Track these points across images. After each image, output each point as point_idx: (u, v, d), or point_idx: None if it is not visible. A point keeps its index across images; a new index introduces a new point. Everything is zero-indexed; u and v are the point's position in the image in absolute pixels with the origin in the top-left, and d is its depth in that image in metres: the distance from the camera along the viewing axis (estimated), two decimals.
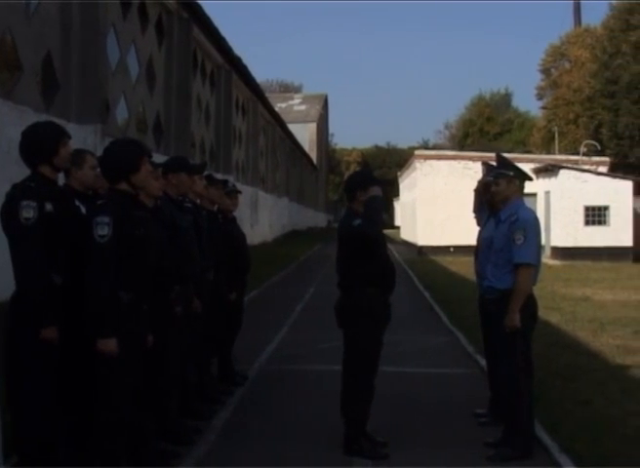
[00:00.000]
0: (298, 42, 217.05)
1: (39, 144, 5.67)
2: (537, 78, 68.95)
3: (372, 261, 6.73)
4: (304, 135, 79.05)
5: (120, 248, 5.34)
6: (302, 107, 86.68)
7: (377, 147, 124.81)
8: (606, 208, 31.92)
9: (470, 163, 35.74)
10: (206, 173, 8.55)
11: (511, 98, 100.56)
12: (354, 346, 6.81)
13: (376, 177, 7.18)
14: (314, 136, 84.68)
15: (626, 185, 32.09)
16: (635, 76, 41.35)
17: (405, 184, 52.50)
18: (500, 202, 7.09)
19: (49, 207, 5.53)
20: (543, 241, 8.45)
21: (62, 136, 5.80)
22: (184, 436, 6.99)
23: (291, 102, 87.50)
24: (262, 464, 6.56)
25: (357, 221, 6.66)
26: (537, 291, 7.07)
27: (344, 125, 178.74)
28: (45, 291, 5.42)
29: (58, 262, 5.58)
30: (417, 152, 42.37)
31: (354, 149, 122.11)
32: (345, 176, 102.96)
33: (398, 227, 67.71)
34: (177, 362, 6.76)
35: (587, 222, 32.02)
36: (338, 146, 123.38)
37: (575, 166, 34.29)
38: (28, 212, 5.44)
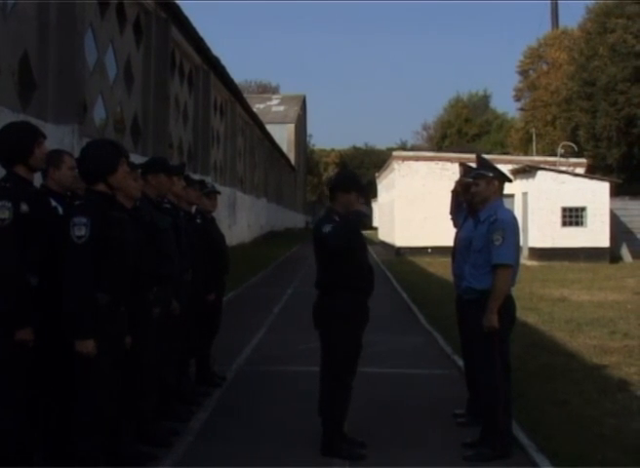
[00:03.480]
0: (276, 42, 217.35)
1: (14, 145, 5.63)
2: (514, 80, 69.39)
3: (347, 265, 6.71)
4: (283, 135, 79.04)
5: (97, 249, 5.32)
6: (281, 108, 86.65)
7: (355, 148, 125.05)
8: (583, 209, 32.08)
9: (448, 164, 35.83)
10: None
11: (489, 100, 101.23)
12: (330, 348, 6.79)
13: (359, 182, 7.14)
14: (292, 137, 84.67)
15: (603, 186, 32.27)
16: (612, 78, 41.57)
17: (383, 185, 52.53)
18: (479, 202, 7.10)
19: (24, 207, 5.50)
20: (521, 242, 8.46)
21: (37, 136, 5.77)
22: (162, 437, 6.97)
23: (269, 103, 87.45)
24: (240, 465, 6.55)
25: (328, 228, 6.65)
26: (514, 291, 7.09)
27: (323, 126, 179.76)
28: (20, 292, 5.39)
29: (34, 263, 5.55)
30: (395, 153, 42.40)
31: (332, 150, 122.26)
32: (326, 176, 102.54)
33: (376, 228, 67.75)
34: (154, 363, 6.73)
35: (565, 223, 32.17)
36: (316, 147, 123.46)
37: (552, 167, 34.44)
38: (3, 212, 5.41)
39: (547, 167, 34.14)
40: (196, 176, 17.74)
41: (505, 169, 8.35)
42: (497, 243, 6.67)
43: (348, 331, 6.74)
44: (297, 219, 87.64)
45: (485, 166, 7.20)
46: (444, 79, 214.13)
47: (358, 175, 7.36)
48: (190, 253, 7.95)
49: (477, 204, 7.15)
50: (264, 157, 58.04)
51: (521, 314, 10.89)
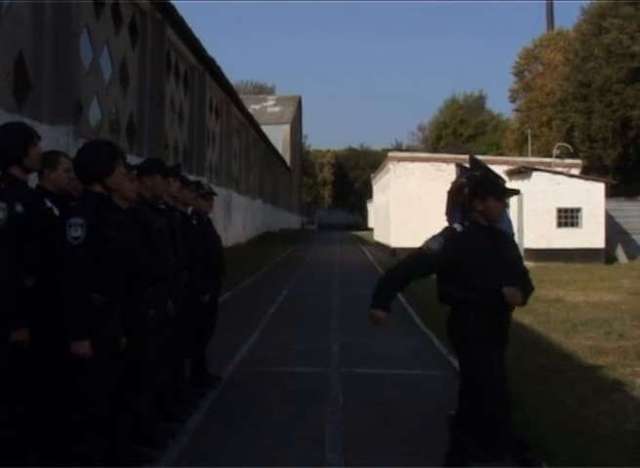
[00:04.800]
0: (272, 43, 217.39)
1: (8, 145, 5.64)
2: (510, 81, 69.57)
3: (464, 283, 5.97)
4: (278, 136, 79.03)
5: (93, 250, 5.32)
6: (276, 109, 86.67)
7: (350, 149, 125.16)
8: (578, 210, 32.10)
9: (444, 165, 35.89)
10: None
11: (485, 101, 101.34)
12: (463, 369, 6.22)
13: (496, 184, 6.21)
14: (288, 138, 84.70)
15: (599, 187, 32.30)
16: (607, 79, 41.67)
17: (378, 186, 52.60)
18: None
19: (19, 208, 5.50)
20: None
21: (32, 136, 5.77)
22: (157, 438, 6.96)
23: (265, 104, 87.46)
24: (236, 465, 6.54)
25: (435, 243, 6.02)
26: None
27: (318, 126, 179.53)
28: (15, 293, 5.39)
29: (29, 264, 5.55)
30: (390, 154, 42.47)
31: (328, 151, 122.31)
32: (322, 177, 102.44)
33: (371, 229, 67.86)
34: (150, 364, 6.73)
35: (560, 224, 32.18)
36: (311, 148, 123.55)
37: (547, 168, 34.48)
38: None
39: (543, 168, 34.18)
40: (192, 177, 17.73)
41: (501, 170, 8.34)
42: None
43: (474, 352, 5.99)
44: (292, 220, 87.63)
45: (478, 167, 7.20)
46: (439, 80, 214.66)
47: (495, 176, 6.39)
48: (186, 254, 7.95)
49: None
50: (260, 158, 58.01)
51: (516, 315, 10.88)
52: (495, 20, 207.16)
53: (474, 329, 5.95)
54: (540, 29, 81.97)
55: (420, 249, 6.08)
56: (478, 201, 6.03)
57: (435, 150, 76.84)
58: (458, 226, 6.05)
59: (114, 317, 5.58)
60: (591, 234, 31.87)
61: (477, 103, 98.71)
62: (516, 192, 6.21)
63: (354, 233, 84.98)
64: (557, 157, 38.67)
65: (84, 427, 5.40)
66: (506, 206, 6.28)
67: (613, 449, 6.75)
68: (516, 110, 67.48)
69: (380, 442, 7.23)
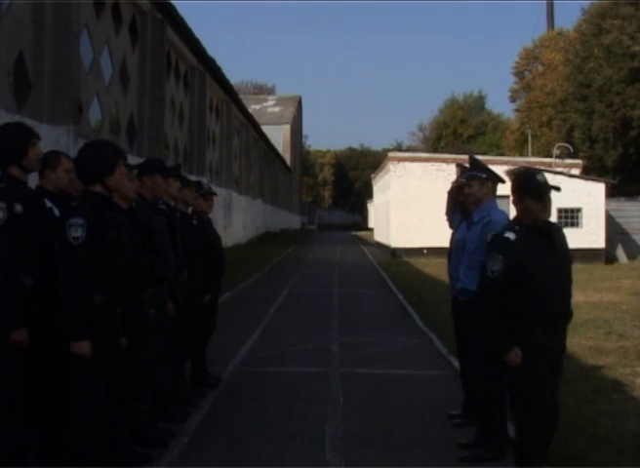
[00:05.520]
0: (272, 43, 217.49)
1: (7, 146, 5.64)
2: (510, 81, 69.60)
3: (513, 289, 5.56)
4: (278, 136, 79.01)
5: (93, 250, 5.32)
6: (276, 109, 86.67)
7: (350, 149, 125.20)
8: (578, 210, 32.14)
9: (444, 165, 35.86)
10: None
11: (485, 101, 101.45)
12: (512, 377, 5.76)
13: (532, 182, 5.73)
14: (288, 138, 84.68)
15: (599, 187, 32.34)
16: (607, 79, 41.66)
17: (379, 186, 52.59)
18: (472, 204, 7.10)
19: (18, 208, 5.49)
20: None
21: (31, 136, 5.76)
22: (157, 438, 6.96)
23: (265, 104, 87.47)
24: (235, 465, 6.54)
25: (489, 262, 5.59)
26: None
27: (318, 127, 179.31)
28: (15, 292, 5.38)
29: (28, 264, 5.54)
30: (390, 154, 42.42)
31: (328, 151, 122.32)
32: (322, 177, 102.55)
33: (372, 229, 67.85)
34: (150, 364, 6.73)
35: (560, 224, 32.17)
36: (312, 148, 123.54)
37: (548, 168, 34.47)
38: None
39: (543, 168, 34.16)
40: (192, 177, 17.72)
41: (501, 170, 8.36)
42: None
43: (533, 365, 5.53)
44: (292, 220, 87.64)
45: (478, 167, 7.21)
46: (439, 80, 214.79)
47: (531, 174, 5.87)
48: (186, 254, 7.94)
49: (470, 205, 7.15)
50: (260, 158, 58.00)
51: None
52: (495, 20, 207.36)
53: (536, 338, 5.50)
54: (541, 29, 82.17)
55: (485, 274, 5.60)
56: (516, 201, 5.72)
57: (435, 150, 76.87)
58: (510, 234, 5.58)
59: (114, 317, 5.58)
60: (591, 234, 31.92)
61: (477, 103, 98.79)
62: (557, 189, 5.79)
63: (354, 233, 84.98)
64: (557, 157, 38.69)
65: (83, 427, 5.40)
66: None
67: (613, 449, 6.75)
68: (516, 110, 67.47)
69: (380, 442, 7.23)
